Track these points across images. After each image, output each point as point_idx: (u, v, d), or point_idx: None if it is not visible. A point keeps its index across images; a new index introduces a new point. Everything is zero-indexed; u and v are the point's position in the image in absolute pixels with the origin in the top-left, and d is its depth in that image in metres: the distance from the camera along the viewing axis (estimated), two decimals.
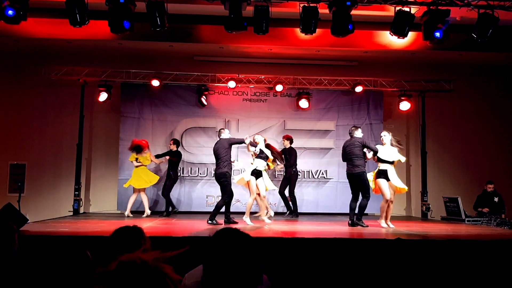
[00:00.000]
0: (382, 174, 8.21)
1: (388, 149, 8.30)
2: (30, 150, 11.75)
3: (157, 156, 10.61)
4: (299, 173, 10.77)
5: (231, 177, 8.70)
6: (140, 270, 1.13)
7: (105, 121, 12.01)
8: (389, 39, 9.78)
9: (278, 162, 9.54)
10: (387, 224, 8.26)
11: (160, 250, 1.24)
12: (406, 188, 8.49)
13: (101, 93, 11.26)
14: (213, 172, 11.53)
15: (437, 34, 8.07)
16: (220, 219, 8.42)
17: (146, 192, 10.47)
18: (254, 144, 9.00)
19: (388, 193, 8.16)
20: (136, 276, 1.12)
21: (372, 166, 9.43)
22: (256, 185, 8.81)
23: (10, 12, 7.58)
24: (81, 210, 11.27)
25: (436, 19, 8.03)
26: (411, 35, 8.63)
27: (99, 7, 7.79)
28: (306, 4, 7.97)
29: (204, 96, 11.63)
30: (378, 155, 8.23)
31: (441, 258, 5.67)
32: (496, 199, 10.67)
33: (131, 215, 10.13)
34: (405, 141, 12.54)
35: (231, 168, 8.69)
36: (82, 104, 11.38)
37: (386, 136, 8.35)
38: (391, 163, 8.24)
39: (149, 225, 8.03)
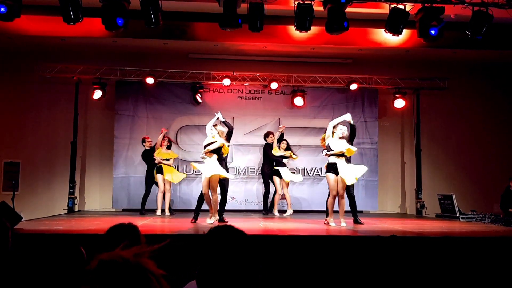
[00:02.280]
0: (331, 168, 7.80)
1: (337, 141, 7.83)
2: (24, 148, 11.69)
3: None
4: None
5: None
6: (121, 268, 1.12)
7: (99, 119, 11.97)
8: (383, 37, 9.80)
9: None
10: (340, 221, 7.83)
11: (141, 246, 1.23)
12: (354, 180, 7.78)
13: (95, 91, 11.21)
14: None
15: (432, 32, 8.09)
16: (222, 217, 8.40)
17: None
18: None
19: (334, 189, 7.77)
20: (117, 274, 1.11)
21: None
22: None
23: (2, 9, 7.54)
24: (76, 208, 11.23)
25: (430, 16, 8.05)
26: (405, 32, 8.65)
27: (93, 4, 7.75)
28: (300, 1, 7.97)
29: (199, 94, 11.60)
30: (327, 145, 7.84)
31: (435, 255, 5.69)
32: None
33: (174, 213, 10.07)
34: (399, 138, 12.59)
35: None
36: (77, 102, 11.33)
37: (341, 130, 7.90)
38: (341, 155, 7.76)
39: (144, 223, 8.01)
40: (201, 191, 8.14)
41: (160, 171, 10.09)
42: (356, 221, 8.14)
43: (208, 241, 1.75)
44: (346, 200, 8.04)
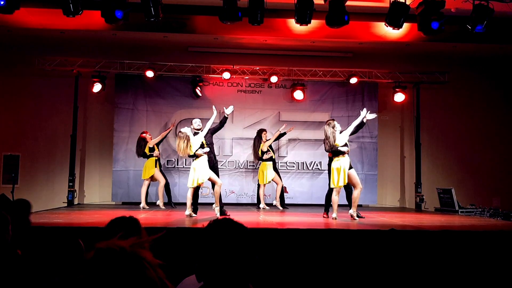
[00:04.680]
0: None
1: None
2: (24, 141, 11.69)
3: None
4: None
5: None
6: (117, 256, 1.13)
7: (99, 112, 11.96)
8: (384, 31, 9.76)
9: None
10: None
11: (138, 236, 1.25)
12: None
13: (95, 84, 11.19)
14: None
15: (433, 26, 8.05)
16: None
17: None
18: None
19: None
20: (113, 262, 1.12)
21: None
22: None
23: (1, 2, 7.51)
24: (76, 201, 11.24)
25: (431, 10, 8.02)
26: (405, 26, 8.60)
27: None
28: None
29: (198, 87, 11.58)
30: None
31: (434, 249, 5.70)
32: None
33: (163, 207, 10.01)
34: (399, 132, 12.59)
35: None
36: (76, 95, 11.31)
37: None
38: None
39: (145, 216, 8.03)
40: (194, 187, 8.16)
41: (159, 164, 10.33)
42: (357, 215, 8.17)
43: (208, 234, 1.76)
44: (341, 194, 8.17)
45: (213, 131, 8.71)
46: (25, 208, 3.41)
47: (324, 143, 8.11)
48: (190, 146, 7.92)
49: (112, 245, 1.15)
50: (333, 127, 7.88)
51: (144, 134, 10.33)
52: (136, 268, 1.13)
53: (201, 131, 8.21)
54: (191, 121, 8.63)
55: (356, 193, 7.92)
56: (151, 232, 1.62)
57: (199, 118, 11.51)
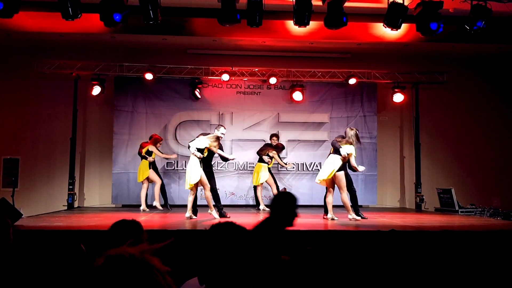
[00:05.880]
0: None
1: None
2: (23, 145, 11.69)
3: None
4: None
5: None
6: (127, 264, 1.14)
7: (98, 115, 11.97)
8: (382, 31, 9.77)
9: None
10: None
11: (145, 243, 1.26)
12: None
13: (94, 87, 11.19)
14: None
15: (432, 27, 8.06)
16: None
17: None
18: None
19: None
20: (123, 269, 1.13)
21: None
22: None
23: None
24: (76, 205, 11.24)
25: (429, 11, 8.03)
26: (404, 27, 8.61)
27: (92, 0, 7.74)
28: None
29: (197, 89, 11.59)
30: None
31: (435, 249, 5.71)
32: None
33: (147, 210, 10.05)
34: (399, 132, 12.60)
35: None
36: (76, 98, 11.32)
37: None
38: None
39: (145, 218, 8.03)
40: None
41: (155, 166, 10.43)
42: (358, 215, 8.20)
43: (210, 237, 1.76)
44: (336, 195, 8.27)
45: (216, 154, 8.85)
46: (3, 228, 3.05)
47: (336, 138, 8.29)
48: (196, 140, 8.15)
49: (122, 252, 1.16)
50: (356, 136, 8.02)
51: (159, 137, 10.48)
52: (146, 275, 1.14)
53: (216, 141, 8.23)
54: (219, 126, 8.68)
55: (342, 197, 8.00)
56: (152, 234, 1.63)
57: (198, 120, 11.63)
